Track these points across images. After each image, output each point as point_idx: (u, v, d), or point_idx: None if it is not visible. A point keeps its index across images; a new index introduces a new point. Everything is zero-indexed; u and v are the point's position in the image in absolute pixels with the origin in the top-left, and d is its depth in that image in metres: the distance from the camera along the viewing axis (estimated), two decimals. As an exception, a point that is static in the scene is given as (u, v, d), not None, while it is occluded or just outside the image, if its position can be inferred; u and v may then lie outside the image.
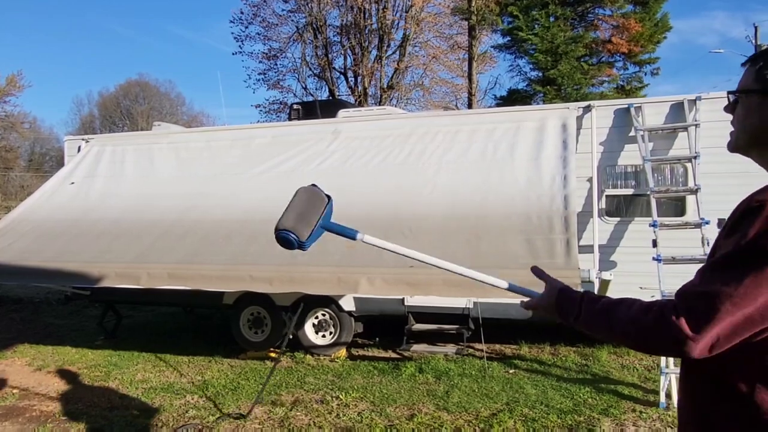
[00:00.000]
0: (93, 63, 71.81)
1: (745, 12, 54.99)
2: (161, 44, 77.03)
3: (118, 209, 6.14)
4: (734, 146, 1.37)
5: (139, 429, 4.57)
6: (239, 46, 21.48)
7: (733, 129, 1.36)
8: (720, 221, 5.53)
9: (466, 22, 17.96)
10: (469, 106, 18.05)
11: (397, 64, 19.76)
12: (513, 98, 16.73)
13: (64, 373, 6.07)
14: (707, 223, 5.17)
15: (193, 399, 5.21)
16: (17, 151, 37.64)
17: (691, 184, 5.52)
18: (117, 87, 47.03)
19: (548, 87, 15.62)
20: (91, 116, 48.07)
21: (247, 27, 20.86)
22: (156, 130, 8.20)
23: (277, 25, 20.77)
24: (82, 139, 7.63)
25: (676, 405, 5.03)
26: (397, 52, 20.01)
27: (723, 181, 5.45)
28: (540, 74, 16.43)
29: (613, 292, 3.18)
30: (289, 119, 9.88)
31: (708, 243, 5.09)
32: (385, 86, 19.91)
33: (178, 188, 6.29)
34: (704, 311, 1.15)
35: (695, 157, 5.43)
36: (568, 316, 1.42)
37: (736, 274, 1.14)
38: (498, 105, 17.30)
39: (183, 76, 79.38)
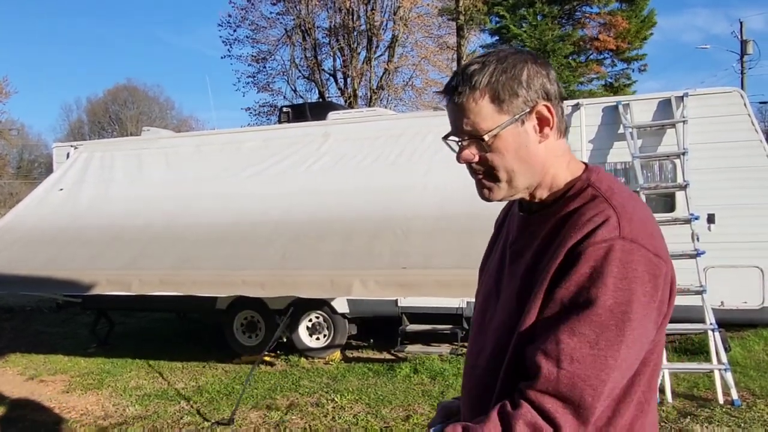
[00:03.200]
0: (81, 68, 71.55)
1: (726, 9, 55.63)
2: (149, 49, 76.81)
3: (109, 215, 6.10)
4: None
5: (134, 436, 4.54)
6: (228, 49, 21.28)
7: None
8: (709, 216, 5.58)
9: (454, 23, 18.00)
10: (459, 105, 18.03)
11: (387, 65, 19.76)
12: (502, 98, 16.77)
13: (56, 382, 6.03)
14: (696, 218, 5.21)
15: (187, 405, 5.18)
16: (5, 158, 37.33)
17: (680, 180, 5.56)
18: (105, 92, 46.72)
19: (537, 85, 15.67)
20: (80, 122, 47.77)
21: (235, 30, 20.77)
22: (145, 135, 8.15)
23: (265, 27, 20.69)
24: (71, 146, 7.55)
25: (669, 400, 5.02)
26: (386, 53, 20.02)
27: (711, 177, 5.51)
28: (529, 73, 16.47)
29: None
30: (279, 122, 9.86)
31: (697, 238, 5.14)
32: (374, 87, 19.90)
33: (169, 193, 6.26)
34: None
35: (683, 153, 5.46)
36: None
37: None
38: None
39: (172, 81, 79.23)
